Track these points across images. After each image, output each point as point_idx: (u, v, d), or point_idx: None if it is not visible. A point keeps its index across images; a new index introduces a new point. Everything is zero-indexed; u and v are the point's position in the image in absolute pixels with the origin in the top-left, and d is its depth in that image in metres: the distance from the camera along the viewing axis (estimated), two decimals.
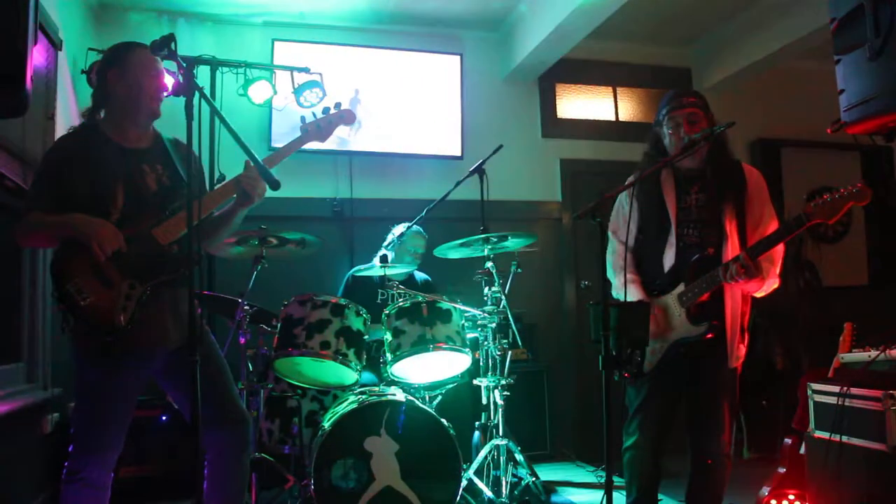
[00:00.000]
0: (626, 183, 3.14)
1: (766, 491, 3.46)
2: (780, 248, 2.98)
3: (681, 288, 3.05)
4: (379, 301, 4.57)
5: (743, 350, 3.10)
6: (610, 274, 3.22)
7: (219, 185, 2.86)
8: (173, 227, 2.61)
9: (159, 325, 2.63)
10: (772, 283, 3.00)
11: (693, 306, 3.01)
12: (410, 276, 4.76)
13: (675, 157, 3.02)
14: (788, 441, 3.51)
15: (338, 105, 3.02)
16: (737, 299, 3.04)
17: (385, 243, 4.80)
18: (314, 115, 3.00)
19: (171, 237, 2.60)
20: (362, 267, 4.40)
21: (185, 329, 2.61)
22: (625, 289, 3.03)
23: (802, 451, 3.32)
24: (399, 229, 4.82)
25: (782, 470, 3.49)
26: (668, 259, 3.12)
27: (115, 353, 2.54)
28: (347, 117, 3.02)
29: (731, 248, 3.01)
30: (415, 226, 4.67)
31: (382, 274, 4.18)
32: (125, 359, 2.56)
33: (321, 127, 2.95)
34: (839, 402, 2.95)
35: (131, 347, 2.55)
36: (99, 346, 2.52)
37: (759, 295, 3.06)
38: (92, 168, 2.58)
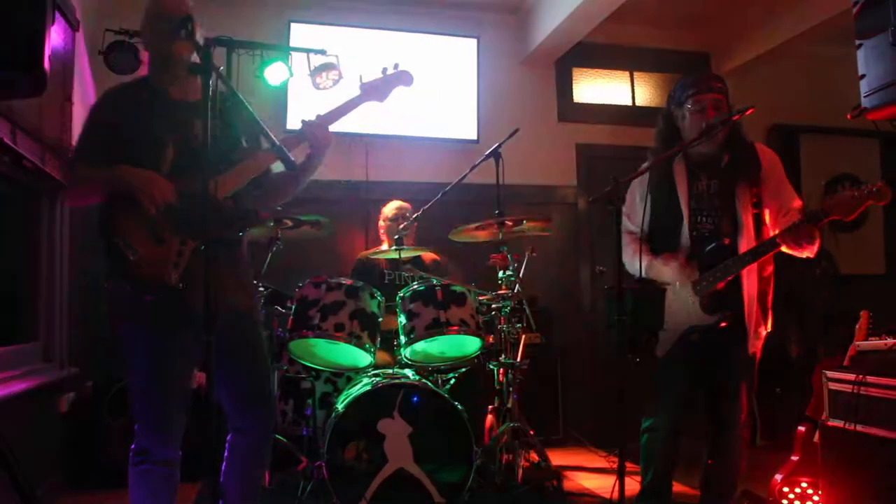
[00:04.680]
0: (640, 169, 3.10)
1: (778, 478, 3.46)
2: None
3: (695, 276, 3.04)
4: (386, 282, 4.59)
5: (764, 332, 3.09)
6: (624, 258, 3.12)
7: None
8: (229, 180, 2.47)
9: (218, 287, 2.24)
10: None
11: (707, 295, 3.00)
12: (417, 257, 4.72)
13: (692, 141, 2.98)
14: (802, 429, 3.50)
15: (396, 65, 2.91)
16: (753, 283, 3.02)
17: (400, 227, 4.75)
18: (361, 78, 2.88)
19: (225, 190, 2.46)
20: (375, 250, 4.40)
21: (245, 292, 2.59)
22: (640, 270, 3.02)
23: (816, 439, 3.31)
24: (391, 211, 4.89)
25: (795, 458, 3.47)
26: (683, 248, 3.10)
27: (172, 315, 2.37)
28: (405, 78, 2.91)
29: (747, 237, 2.99)
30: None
31: (394, 257, 4.18)
32: (183, 322, 2.36)
33: (378, 87, 2.86)
34: (855, 391, 2.93)
35: (190, 309, 2.30)
36: (149, 308, 2.35)
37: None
38: (140, 118, 2.46)
